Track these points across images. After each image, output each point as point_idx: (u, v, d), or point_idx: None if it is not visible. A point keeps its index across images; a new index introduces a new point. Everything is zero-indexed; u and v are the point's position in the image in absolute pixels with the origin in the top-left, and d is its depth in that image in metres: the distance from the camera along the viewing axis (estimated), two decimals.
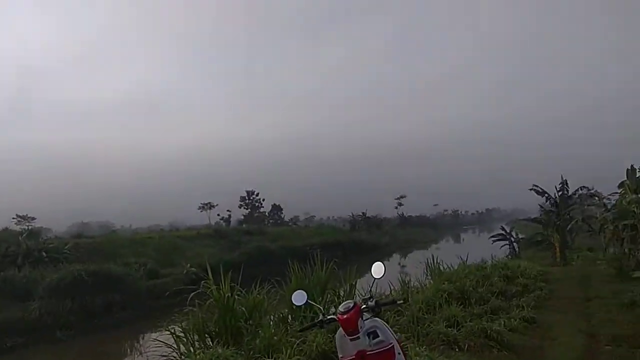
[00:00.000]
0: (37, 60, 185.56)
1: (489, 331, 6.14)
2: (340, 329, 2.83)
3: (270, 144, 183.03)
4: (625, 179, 15.71)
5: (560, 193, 20.26)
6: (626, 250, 15.03)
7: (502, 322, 7.07)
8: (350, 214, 66.53)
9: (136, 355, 15.90)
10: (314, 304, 3.49)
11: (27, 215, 47.20)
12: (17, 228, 37.08)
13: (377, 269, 3.14)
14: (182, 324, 5.85)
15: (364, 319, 2.81)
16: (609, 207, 17.50)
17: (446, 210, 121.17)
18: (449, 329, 6.16)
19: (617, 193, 17.00)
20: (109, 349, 17.04)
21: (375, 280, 3.16)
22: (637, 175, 15.46)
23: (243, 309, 5.77)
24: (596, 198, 19.53)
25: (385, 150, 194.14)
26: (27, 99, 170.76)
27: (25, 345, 16.05)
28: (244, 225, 54.92)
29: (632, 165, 15.71)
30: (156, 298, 22.55)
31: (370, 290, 3.24)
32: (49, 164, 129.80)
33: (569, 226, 20.01)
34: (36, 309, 17.24)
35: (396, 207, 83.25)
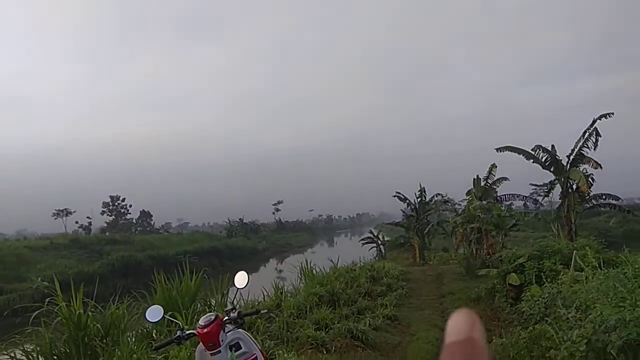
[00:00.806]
0: None
1: (354, 331, 6.44)
2: (201, 343, 2.70)
3: (140, 147, 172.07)
4: (472, 187, 17.82)
5: (419, 199, 22.21)
6: (473, 250, 17.03)
7: (367, 322, 7.48)
8: (227, 220, 65.25)
9: None
10: (173, 319, 3.28)
11: None
12: None
13: (240, 279, 3.07)
14: (24, 346, 5.11)
15: (226, 331, 2.72)
16: (459, 212, 19.71)
17: (321, 215, 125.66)
18: (318, 332, 6.32)
19: (466, 200, 19.22)
20: None
21: (238, 289, 3.08)
22: (481, 184, 17.65)
23: (98, 326, 5.23)
24: (449, 204, 21.89)
25: (263, 156, 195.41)
26: None
27: None
28: (106, 234, 50.52)
29: (477, 175, 17.90)
30: None
31: (234, 300, 3.15)
32: None
33: (427, 229, 22.07)
34: None
35: (273, 213, 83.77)
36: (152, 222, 64.51)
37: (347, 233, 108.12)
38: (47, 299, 5.51)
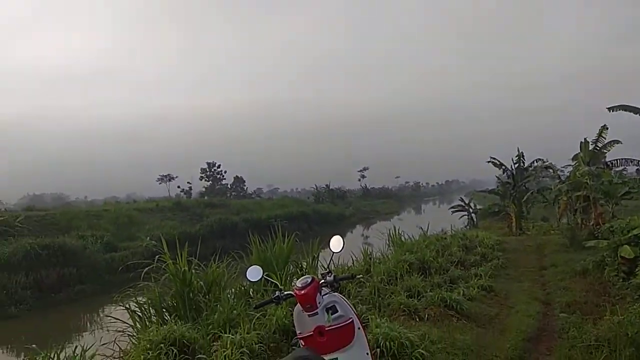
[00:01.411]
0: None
1: (448, 300, 6.23)
2: (298, 304, 2.72)
3: (233, 116, 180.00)
4: (579, 151, 16.25)
5: (516, 165, 20.77)
6: (579, 220, 15.69)
7: (461, 291, 7.21)
8: (314, 186, 66.62)
9: (96, 330, 15.57)
10: (270, 279, 3.35)
11: None
12: None
13: (336, 243, 3.02)
14: (138, 298, 5.61)
15: (322, 294, 2.70)
16: (562, 178, 18.14)
17: (408, 182, 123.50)
18: (410, 300, 6.21)
19: (570, 165, 17.63)
20: (66, 323, 16.57)
21: (334, 254, 3.04)
22: (589, 148, 16.04)
23: (201, 283, 5.58)
24: (550, 170, 20.22)
25: (349, 121, 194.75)
26: None
27: None
28: (205, 198, 54.08)
29: (585, 139, 16.26)
30: (114, 272, 21.94)
31: (329, 264, 3.12)
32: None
33: (525, 197, 20.67)
34: None
35: (359, 179, 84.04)
36: (245, 188, 67.90)
37: (435, 201, 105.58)
38: (157, 257, 5.94)
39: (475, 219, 30.49)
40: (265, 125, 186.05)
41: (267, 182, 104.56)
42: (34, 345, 4.63)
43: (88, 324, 16.45)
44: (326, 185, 66.05)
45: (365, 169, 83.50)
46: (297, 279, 2.79)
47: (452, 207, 33.08)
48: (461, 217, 30.61)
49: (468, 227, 27.61)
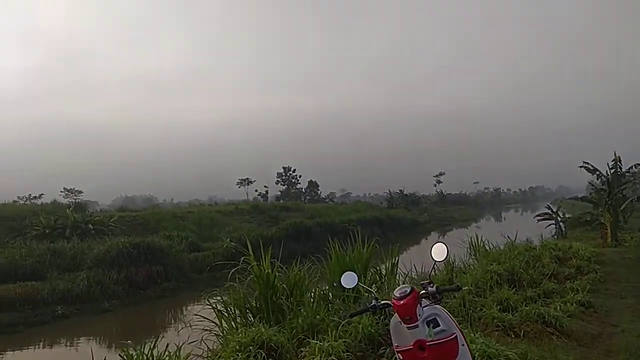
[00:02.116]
0: (81, 39, 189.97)
1: (546, 316, 5.72)
2: (396, 315, 2.55)
3: (304, 122, 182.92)
4: None
5: (612, 170, 18.95)
6: None
7: (558, 307, 6.62)
8: (387, 191, 65.79)
9: (181, 326, 16.37)
10: (363, 286, 3.22)
11: (74, 188, 49.18)
12: (65, 201, 38.74)
13: (439, 251, 2.79)
14: (223, 298, 5.73)
15: (422, 305, 2.51)
16: None
17: (487, 188, 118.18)
18: (503, 314, 5.77)
19: None
20: (154, 319, 17.59)
21: (435, 262, 2.82)
22: None
23: (284, 285, 5.57)
24: None
25: (422, 123, 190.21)
26: (72, 77, 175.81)
27: (75, 314, 16.67)
28: (280, 201, 55.34)
29: None
30: (198, 271, 23.09)
31: (430, 273, 2.91)
32: (95, 139, 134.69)
33: (623, 206, 18.81)
34: (84, 279, 17.85)
35: (435, 185, 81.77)
36: (318, 192, 68.65)
37: (518, 208, 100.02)
38: (241, 258, 6.03)
39: (563, 229, 28.32)
40: (338, 130, 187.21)
41: (340, 187, 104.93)
42: (129, 341, 4.85)
43: (173, 320, 17.34)
44: (400, 190, 65.01)
45: (441, 174, 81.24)
46: (380, 285, 2.64)
47: (538, 215, 30.95)
48: (548, 226, 28.59)
49: (556, 236, 25.75)
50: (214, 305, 5.67)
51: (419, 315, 2.46)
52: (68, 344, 14.62)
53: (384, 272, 6.94)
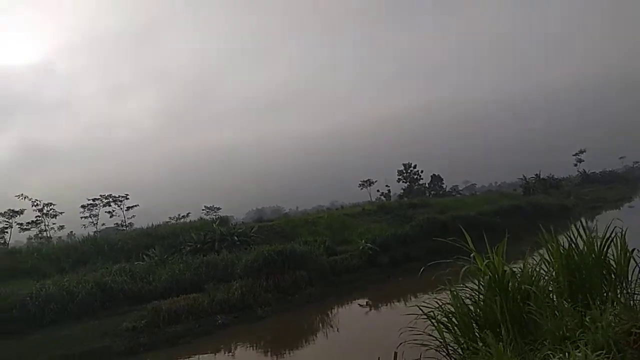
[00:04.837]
0: (204, 74, 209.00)
1: None
2: None
3: (419, 115, 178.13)
4: None
5: None
6: None
7: None
8: (522, 177, 60.41)
9: (336, 329, 16.16)
10: None
11: (213, 206, 52.93)
12: (208, 218, 41.76)
13: None
14: (444, 306, 4.77)
15: None
16: None
17: (637, 162, 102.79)
18: None
19: None
20: (308, 323, 17.61)
21: None
22: None
23: (526, 287, 4.42)
24: None
25: (549, 98, 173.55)
26: (201, 109, 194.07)
27: (233, 323, 17.28)
28: (404, 199, 53.75)
29: None
30: (337, 274, 22.90)
31: None
32: (225, 160, 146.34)
33: None
34: (237, 289, 18.51)
35: (575, 164, 73.18)
36: (443, 186, 65.61)
37: None
38: (472, 254, 5.03)
39: None
40: (455, 120, 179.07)
41: (463, 179, 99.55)
42: None
43: (331, 326, 17.14)
44: (536, 175, 59.28)
45: (581, 151, 72.40)
46: None
47: None
48: None
49: None
50: (433, 315, 4.73)
51: None
52: (236, 352, 15.13)
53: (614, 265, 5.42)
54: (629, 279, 5.02)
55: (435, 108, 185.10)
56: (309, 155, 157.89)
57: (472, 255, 4.55)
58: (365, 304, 20.04)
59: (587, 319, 3.87)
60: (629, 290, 5.01)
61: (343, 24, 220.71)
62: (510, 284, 4.32)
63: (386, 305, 19.82)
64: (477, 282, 4.53)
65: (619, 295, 4.83)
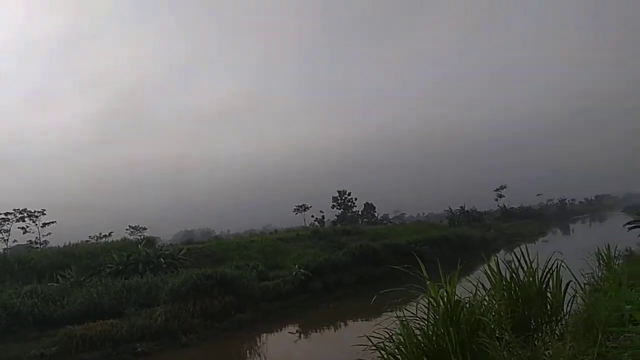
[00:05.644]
0: (139, 83, 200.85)
1: None
2: None
3: (353, 144, 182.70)
4: None
5: None
6: None
7: None
8: (449, 208, 63.31)
9: (264, 358, 15.56)
10: None
11: (138, 225, 50.25)
12: (132, 238, 39.47)
13: None
14: (393, 336, 4.55)
15: None
16: None
17: (551, 200, 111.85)
18: None
19: None
20: (235, 351, 16.84)
21: None
22: None
23: (483, 319, 4.33)
24: None
25: (473, 140, 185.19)
26: (132, 121, 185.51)
27: (154, 351, 16.17)
28: (338, 225, 54.23)
29: None
30: (269, 299, 22.30)
31: None
32: (154, 177, 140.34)
33: None
34: (162, 314, 17.42)
35: (496, 199, 78.05)
36: (375, 214, 67.11)
37: (585, 219, 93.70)
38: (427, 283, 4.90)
39: None
40: (387, 151, 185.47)
41: (393, 208, 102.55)
42: None
43: (248, 352, 16.51)
44: (461, 207, 62.40)
45: (502, 187, 77.47)
46: None
47: (629, 223, 28.55)
48: None
49: None
50: (382, 346, 4.51)
51: None
52: None
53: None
54: (564, 310, 5.18)
55: (368, 138, 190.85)
56: (243, 177, 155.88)
57: (428, 283, 4.45)
58: (295, 331, 19.55)
59: (529, 353, 3.86)
60: (564, 322, 5.16)
61: (283, 50, 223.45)
62: (461, 315, 4.26)
63: (317, 332, 19.53)
64: (427, 311, 4.41)
65: (554, 328, 4.96)
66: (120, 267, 23.22)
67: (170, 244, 35.02)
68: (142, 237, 38.40)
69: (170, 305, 18.47)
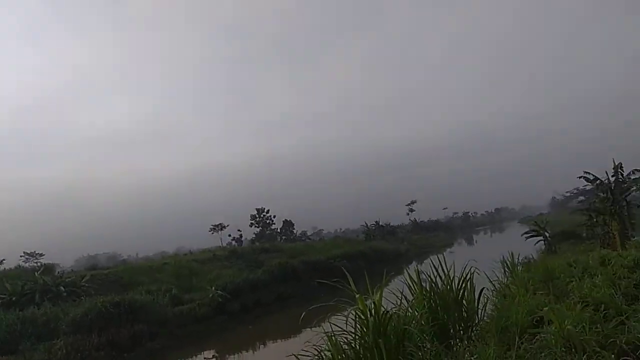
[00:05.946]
0: (34, 95, 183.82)
1: None
2: None
3: (270, 163, 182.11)
4: None
5: (613, 177, 18.79)
6: None
7: None
8: (365, 224, 65.09)
9: None
10: None
11: (34, 251, 45.66)
12: (27, 265, 35.65)
13: None
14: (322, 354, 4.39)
15: None
16: None
17: (456, 213, 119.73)
18: None
19: None
20: None
21: None
22: None
23: (410, 329, 4.31)
24: None
25: (386, 157, 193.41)
26: (27, 135, 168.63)
27: None
28: (256, 244, 53.40)
29: None
30: (184, 325, 21.16)
31: None
32: (53, 200, 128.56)
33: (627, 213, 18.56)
34: (62, 348, 15.79)
35: (408, 213, 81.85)
36: (294, 231, 67.07)
37: (487, 230, 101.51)
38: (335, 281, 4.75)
39: (551, 244, 28.29)
40: (305, 169, 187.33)
41: (311, 225, 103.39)
42: None
43: None
44: (376, 222, 64.46)
45: (413, 202, 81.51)
46: None
47: (526, 233, 31.14)
48: (537, 242, 28.72)
49: (545, 252, 25.86)
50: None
51: None
52: None
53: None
54: (479, 316, 5.41)
55: (286, 157, 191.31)
56: (151, 200, 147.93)
57: (357, 296, 4.38)
58: (212, 356, 18.67)
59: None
60: (479, 327, 5.37)
61: (209, 69, 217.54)
62: (388, 326, 4.24)
63: (234, 355, 18.79)
64: (355, 324, 4.34)
65: (470, 333, 5.15)
66: (14, 298, 20.85)
67: (72, 270, 32.10)
68: (39, 264, 34.81)
69: (72, 337, 16.83)
